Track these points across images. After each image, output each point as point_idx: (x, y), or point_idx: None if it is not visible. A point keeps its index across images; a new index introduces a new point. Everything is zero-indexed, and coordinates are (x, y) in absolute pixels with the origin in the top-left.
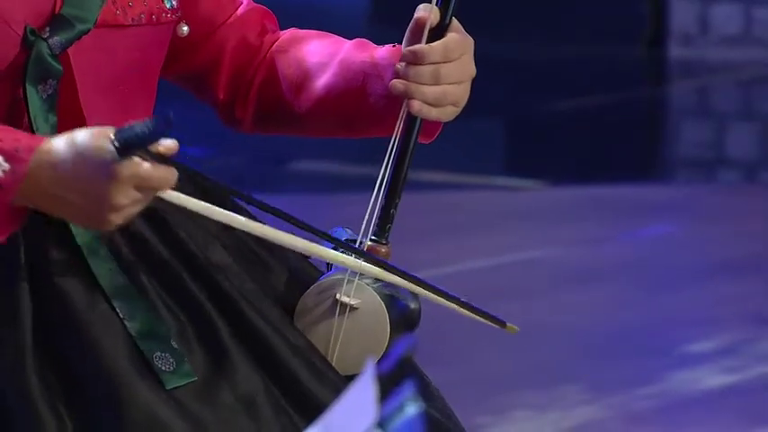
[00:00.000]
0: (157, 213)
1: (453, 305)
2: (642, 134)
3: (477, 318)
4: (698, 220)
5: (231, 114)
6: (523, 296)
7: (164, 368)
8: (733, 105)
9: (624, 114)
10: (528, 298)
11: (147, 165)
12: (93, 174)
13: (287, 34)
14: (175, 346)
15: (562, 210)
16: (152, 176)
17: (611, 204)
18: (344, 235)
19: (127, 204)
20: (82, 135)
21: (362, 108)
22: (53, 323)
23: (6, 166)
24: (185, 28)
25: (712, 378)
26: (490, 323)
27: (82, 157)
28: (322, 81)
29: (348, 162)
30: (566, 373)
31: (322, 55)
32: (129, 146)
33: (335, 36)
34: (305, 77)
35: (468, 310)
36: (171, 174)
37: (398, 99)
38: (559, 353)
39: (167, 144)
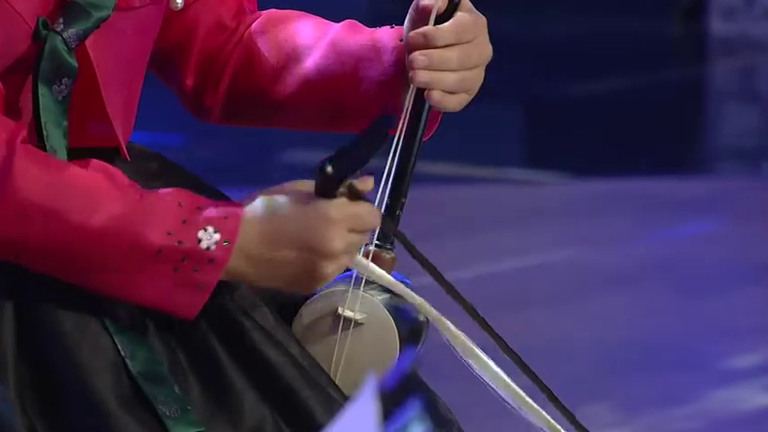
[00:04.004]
0: None
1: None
2: (678, 121)
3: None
4: (742, 217)
5: (199, 103)
6: (545, 304)
7: (168, 413)
8: None
9: (657, 98)
10: (550, 306)
11: (354, 202)
12: (303, 221)
13: (266, 14)
14: (177, 391)
15: (587, 206)
16: (363, 213)
17: (641, 200)
18: None
19: (343, 250)
20: (275, 191)
21: (353, 95)
22: (38, 337)
23: (217, 237)
24: (180, 0)
25: (758, 396)
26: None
27: (285, 208)
28: (308, 63)
29: None
30: (594, 390)
31: (308, 36)
32: (345, 168)
33: (320, 18)
34: (288, 60)
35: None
36: (376, 210)
37: (395, 87)
38: (587, 367)
39: (366, 181)
